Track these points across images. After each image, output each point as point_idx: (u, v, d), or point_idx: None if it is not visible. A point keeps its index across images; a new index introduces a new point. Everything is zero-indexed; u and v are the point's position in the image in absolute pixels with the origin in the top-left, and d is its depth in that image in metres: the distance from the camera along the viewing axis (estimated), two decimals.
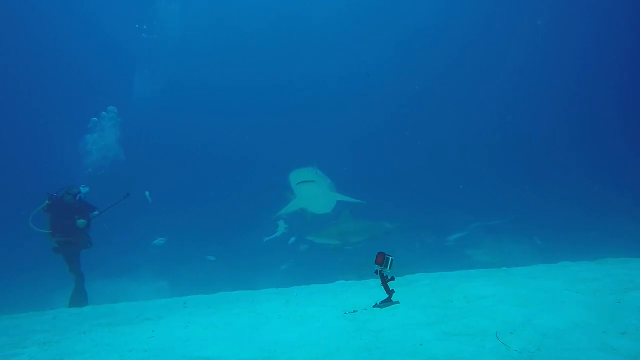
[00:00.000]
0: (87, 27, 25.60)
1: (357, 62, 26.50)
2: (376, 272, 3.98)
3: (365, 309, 3.96)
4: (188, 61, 25.84)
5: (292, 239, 12.64)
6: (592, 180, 18.35)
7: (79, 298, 8.01)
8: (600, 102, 24.07)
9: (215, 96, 27.25)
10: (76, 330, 4.35)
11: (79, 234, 8.21)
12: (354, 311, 3.93)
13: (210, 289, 6.80)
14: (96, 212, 8.26)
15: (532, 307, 3.41)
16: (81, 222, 8.03)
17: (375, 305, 3.99)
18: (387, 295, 4.03)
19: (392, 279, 4.04)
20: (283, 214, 9.77)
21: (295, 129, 25.66)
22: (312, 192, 8.02)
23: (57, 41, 24.53)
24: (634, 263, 4.98)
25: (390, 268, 3.98)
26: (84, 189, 8.57)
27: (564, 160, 21.97)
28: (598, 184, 17.64)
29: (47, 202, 7.96)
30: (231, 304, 5.12)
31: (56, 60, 24.66)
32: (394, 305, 3.97)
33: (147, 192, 10.13)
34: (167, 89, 24.90)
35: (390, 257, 3.99)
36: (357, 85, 26.66)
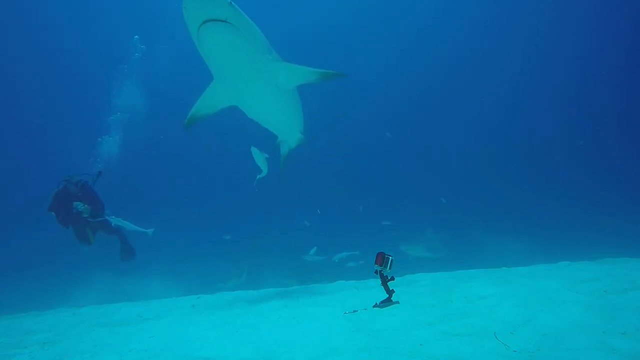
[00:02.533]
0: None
1: (356, 62, 26.45)
2: (376, 272, 3.98)
3: (365, 309, 3.96)
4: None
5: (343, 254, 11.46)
6: (592, 180, 18.36)
7: (127, 251, 8.25)
8: (599, 103, 24.10)
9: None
10: (76, 330, 4.35)
11: (85, 224, 7.91)
12: (354, 311, 3.93)
13: (210, 289, 6.81)
14: (79, 204, 7.64)
15: (532, 307, 3.41)
16: (77, 204, 7.58)
17: (375, 305, 3.99)
18: (387, 295, 4.03)
19: (392, 279, 4.04)
20: (198, 116, 5.26)
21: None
22: (229, 46, 4.11)
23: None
24: (634, 263, 4.99)
25: (390, 268, 3.98)
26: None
27: (563, 160, 21.99)
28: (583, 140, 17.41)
29: (59, 187, 7.75)
30: (231, 303, 5.12)
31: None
32: (394, 305, 3.97)
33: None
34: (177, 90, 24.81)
35: (390, 257, 3.99)
36: (355, 86, 26.62)
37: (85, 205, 7.64)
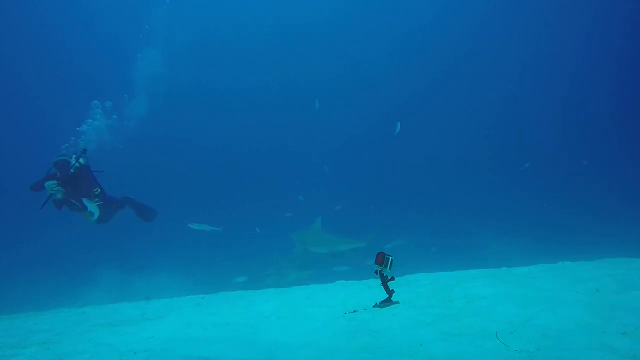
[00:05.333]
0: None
1: (354, 61, 26.48)
2: (376, 272, 3.98)
3: (365, 309, 3.96)
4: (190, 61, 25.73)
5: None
6: (592, 180, 18.39)
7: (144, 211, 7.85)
8: (597, 105, 24.14)
9: (216, 95, 27.15)
10: (76, 330, 4.34)
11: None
12: (354, 311, 3.93)
13: (211, 289, 6.80)
14: (50, 183, 7.09)
15: (532, 307, 3.41)
16: (48, 183, 7.06)
17: (375, 305, 4.00)
18: (387, 295, 4.03)
19: (392, 279, 4.04)
20: None
21: (296, 130, 25.63)
22: None
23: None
24: (634, 263, 4.98)
25: (390, 268, 3.98)
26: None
27: (564, 161, 22.00)
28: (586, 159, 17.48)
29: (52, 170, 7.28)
30: (231, 304, 5.12)
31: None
32: (394, 305, 3.97)
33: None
34: (174, 90, 24.80)
35: (390, 257, 3.99)
36: (354, 85, 26.62)
37: (56, 187, 7.10)
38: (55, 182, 7.11)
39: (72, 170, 7.31)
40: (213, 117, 25.85)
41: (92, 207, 7.26)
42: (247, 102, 26.56)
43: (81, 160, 7.47)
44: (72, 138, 7.86)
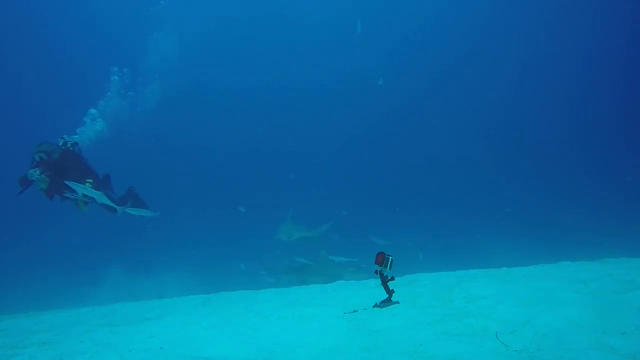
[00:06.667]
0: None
1: (353, 61, 26.48)
2: (376, 272, 3.97)
3: (365, 309, 3.96)
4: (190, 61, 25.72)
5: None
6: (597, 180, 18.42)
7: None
8: (598, 104, 24.13)
9: (215, 95, 27.16)
10: (76, 330, 4.34)
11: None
12: (354, 311, 3.93)
13: (211, 289, 6.80)
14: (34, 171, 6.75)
15: (532, 307, 3.41)
16: (31, 171, 6.75)
17: (375, 305, 4.00)
18: (387, 295, 4.03)
19: (392, 279, 4.04)
20: None
21: (297, 130, 25.63)
22: None
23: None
24: (634, 263, 4.98)
25: (390, 268, 3.98)
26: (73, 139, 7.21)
27: (564, 161, 22.01)
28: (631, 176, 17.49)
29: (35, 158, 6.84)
30: (231, 304, 5.11)
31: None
32: (394, 305, 3.97)
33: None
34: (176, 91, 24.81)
35: (390, 257, 3.99)
36: (354, 85, 26.63)
37: (42, 175, 6.74)
38: (39, 170, 6.71)
39: (56, 154, 6.87)
40: (223, 117, 25.86)
41: (80, 189, 6.71)
42: (251, 103, 26.57)
43: (68, 144, 7.09)
44: (88, 119, 7.66)
